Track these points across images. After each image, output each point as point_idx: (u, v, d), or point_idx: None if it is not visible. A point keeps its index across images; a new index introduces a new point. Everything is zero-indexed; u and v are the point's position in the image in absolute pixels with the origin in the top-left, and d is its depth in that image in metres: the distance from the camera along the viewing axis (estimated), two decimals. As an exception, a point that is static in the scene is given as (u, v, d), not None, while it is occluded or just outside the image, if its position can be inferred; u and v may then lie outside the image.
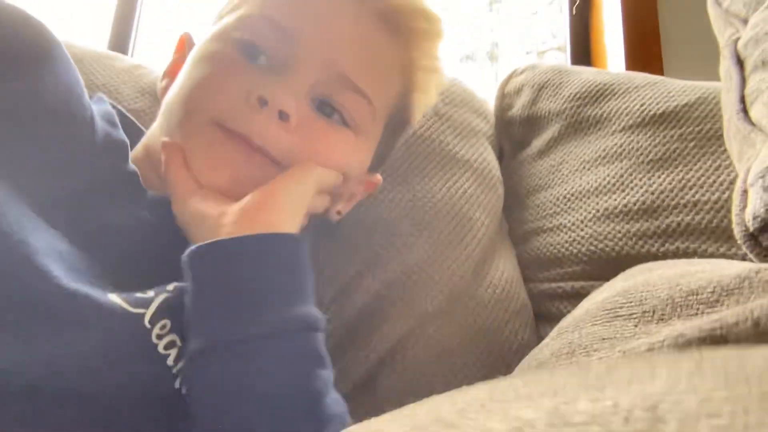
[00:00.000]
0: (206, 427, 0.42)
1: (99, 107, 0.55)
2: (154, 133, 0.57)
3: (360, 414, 0.59)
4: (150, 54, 1.63)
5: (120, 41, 1.42)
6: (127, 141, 0.53)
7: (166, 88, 0.59)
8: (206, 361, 0.42)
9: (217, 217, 0.47)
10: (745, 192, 0.52)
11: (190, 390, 0.42)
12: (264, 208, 0.48)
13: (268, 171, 0.51)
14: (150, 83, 0.80)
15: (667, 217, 0.69)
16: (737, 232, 0.52)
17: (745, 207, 0.51)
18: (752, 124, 0.56)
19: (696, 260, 0.45)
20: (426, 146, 0.77)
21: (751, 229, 0.49)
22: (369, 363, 0.62)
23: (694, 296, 0.38)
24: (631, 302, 0.42)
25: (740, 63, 0.62)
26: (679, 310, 0.38)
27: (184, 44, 0.61)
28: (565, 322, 0.48)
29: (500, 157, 0.90)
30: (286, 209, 0.49)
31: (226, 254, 0.44)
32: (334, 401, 0.44)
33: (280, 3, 0.55)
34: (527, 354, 0.68)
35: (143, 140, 0.59)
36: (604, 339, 0.40)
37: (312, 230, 0.61)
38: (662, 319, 0.38)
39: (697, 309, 0.37)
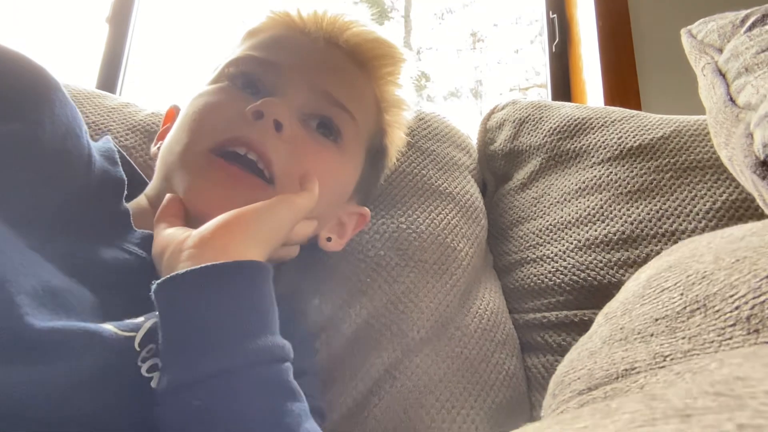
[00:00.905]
0: None
1: (101, 145, 0.58)
2: (154, 185, 0.60)
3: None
4: (137, 93, 1.65)
5: (108, 80, 1.44)
6: (125, 178, 0.55)
7: (158, 151, 0.62)
8: (172, 399, 0.41)
9: (178, 244, 0.47)
10: (750, 135, 0.54)
11: (161, 425, 0.41)
12: (221, 233, 0.47)
13: (259, 193, 0.53)
14: (139, 121, 0.81)
15: (646, 247, 0.70)
16: (748, 164, 0.54)
17: (752, 144, 0.54)
18: (740, 107, 0.59)
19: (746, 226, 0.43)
20: (409, 180, 0.79)
21: (762, 156, 0.52)
22: (357, 393, 0.62)
23: (743, 258, 0.36)
24: (675, 273, 0.41)
25: (722, 75, 0.65)
26: (726, 270, 0.36)
27: (173, 114, 0.66)
28: (610, 308, 0.47)
29: (483, 190, 0.92)
30: (246, 235, 0.48)
31: (182, 289, 0.43)
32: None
33: (262, 44, 0.63)
34: (513, 385, 0.69)
35: (145, 192, 0.61)
36: (657, 320, 0.38)
37: (300, 260, 0.62)
38: (705, 277, 0.37)
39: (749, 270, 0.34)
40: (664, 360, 0.35)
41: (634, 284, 0.46)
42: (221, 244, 0.46)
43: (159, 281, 0.43)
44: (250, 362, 0.41)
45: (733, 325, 0.33)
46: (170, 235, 0.50)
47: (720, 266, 0.37)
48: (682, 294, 0.38)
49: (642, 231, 0.71)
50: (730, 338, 0.33)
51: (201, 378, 0.40)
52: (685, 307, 0.37)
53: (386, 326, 0.66)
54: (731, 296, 0.34)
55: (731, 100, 0.61)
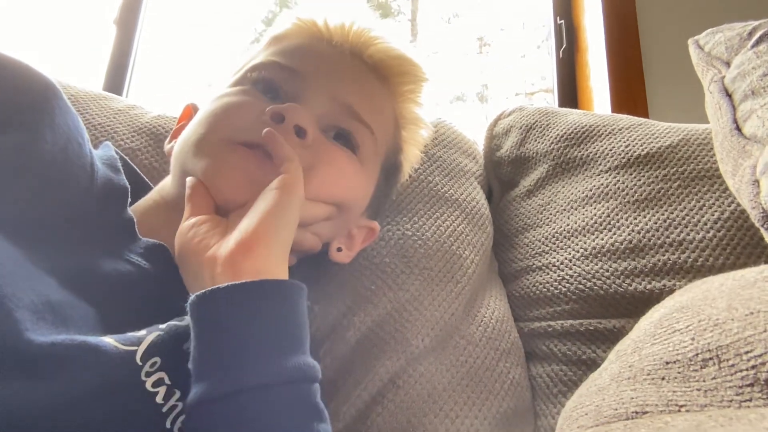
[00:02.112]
0: None
1: (102, 153, 0.57)
2: (167, 183, 0.59)
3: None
4: (144, 95, 1.65)
5: (115, 82, 1.44)
6: (128, 186, 0.54)
7: (173, 149, 0.61)
8: (203, 411, 0.41)
9: (210, 259, 0.47)
10: (756, 182, 0.55)
11: None
12: (252, 250, 0.46)
13: None
14: (145, 123, 0.81)
15: (653, 256, 0.70)
16: (755, 216, 0.55)
17: (758, 193, 0.54)
18: (746, 138, 0.59)
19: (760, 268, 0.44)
20: (415, 186, 0.79)
21: None
22: (361, 401, 0.62)
23: (757, 312, 0.35)
24: (687, 315, 0.40)
25: (729, 96, 0.64)
26: (739, 322, 0.36)
27: (190, 112, 0.65)
28: (622, 345, 0.47)
29: (489, 196, 0.92)
30: (271, 250, 0.47)
31: (224, 302, 0.43)
32: None
33: (286, 51, 0.62)
34: (518, 394, 0.68)
35: (157, 188, 0.60)
36: (667, 363, 0.38)
37: (303, 267, 0.61)
38: (717, 325, 0.37)
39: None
40: (679, 409, 0.35)
41: (647, 323, 0.46)
42: (251, 266, 0.46)
43: (200, 293, 0.43)
44: (284, 380, 0.42)
45: (751, 385, 0.33)
46: (194, 233, 0.49)
47: (733, 316, 0.36)
48: (693, 339, 0.38)
49: (649, 240, 0.71)
50: (749, 399, 0.33)
51: (236, 392, 0.41)
52: (696, 354, 0.37)
53: (390, 334, 0.65)
54: (746, 353, 0.34)
55: (737, 128, 0.61)
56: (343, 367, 0.64)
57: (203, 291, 0.43)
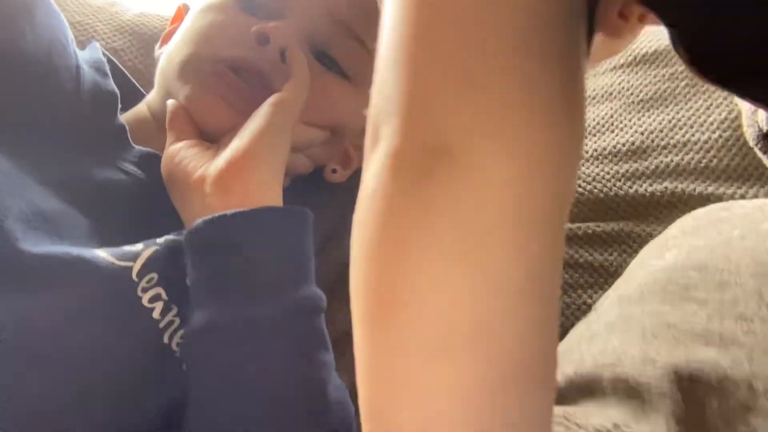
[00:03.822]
0: (204, 410, 0.41)
1: (89, 56, 0.54)
2: (154, 96, 0.56)
3: (347, 357, 0.60)
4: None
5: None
6: (117, 92, 0.52)
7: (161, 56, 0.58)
8: (206, 339, 0.41)
9: (197, 180, 0.45)
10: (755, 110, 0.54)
11: (189, 367, 0.42)
12: (237, 177, 0.45)
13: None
14: (127, 21, 0.77)
15: (656, 158, 0.68)
16: (749, 134, 0.54)
17: (755, 111, 0.53)
18: None
19: None
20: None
21: (765, 129, 0.52)
22: (348, 322, 0.62)
23: None
24: (708, 283, 0.37)
25: None
26: (765, 309, 0.34)
27: (182, 14, 0.60)
28: (629, 288, 0.43)
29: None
30: (263, 174, 0.46)
31: (233, 229, 0.42)
32: (337, 387, 0.43)
33: None
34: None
35: (145, 101, 0.57)
36: (669, 325, 0.36)
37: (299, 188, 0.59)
38: (743, 318, 0.34)
39: None
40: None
41: (658, 267, 0.43)
42: (242, 185, 0.44)
43: (207, 219, 0.42)
44: (293, 310, 0.42)
45: None
46: (181, 157, 0.47)
47: (760, 303, 0.34)
48: (709, 318, 0.35)
49: (653, 142, 0.69)
50: None
51: (244, 321, 0.40)
52: (710, 333, 0.35)
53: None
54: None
55: None
56: (340, 275, 0.63)
57: (210, 216, 0.42)
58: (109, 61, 0.56)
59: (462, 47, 0.24)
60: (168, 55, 0.55)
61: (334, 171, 0.62)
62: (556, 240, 0.24)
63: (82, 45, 0.69)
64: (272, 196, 0.46)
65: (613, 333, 0.39)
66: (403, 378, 0.22)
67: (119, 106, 0.51)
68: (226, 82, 0.50)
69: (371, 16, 0.56)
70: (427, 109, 0.24)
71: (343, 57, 0.55)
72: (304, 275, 0.44)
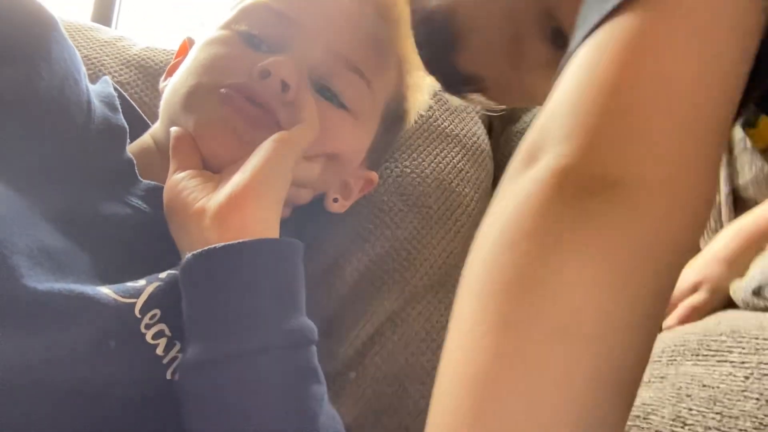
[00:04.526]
0: None
1: (100, 90, 0.55)
2: (158, 128, 0.57)
3: (347, 392, 0.60)
4: (133, 26, 1.60)
5: (103, 12, 1.40)
6: (126, 127, 0.52)
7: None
8: (196, 375, 0.41)
9: (196, 212, 0.46)
10: None
11: (183, 400, 0.41)
12: (237, 208, 0.45)
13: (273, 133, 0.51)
14: (134, 56, 0.78)
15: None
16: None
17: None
18: None
19: None
20: (414, 121, 0.77)
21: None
22: (359, 341, 0.62)
23: None
24: (743, 347, 0.38)
25: None
26: None
27: (187, 47, 0.62)
28: (656, 347, 0.44)
29: (489, 130, 0.90)
30: (260, 205, 0.46)
31: (221, 262, 0.42)
32: (329, 418, 0.43)
33: None
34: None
35: (150, 132, 0.58)
36: (704, 386, 0.37)
37: (299, 218, 0.60)
38: None
39: None
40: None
41: (688, 330, 0.44)
42: (237, 213, 0.45)
43: (196, 252, 0.42)
44: (282, 344, 0.42)
45: None
46: (182, 187, 0.48)
47: None
48: (747, 379, 0.36)
49: None
50: None
51: (232, 355, 0.40)
52: (746, 391, 0.35)
53: (389, 273, 0.65)
54: None
55: None
56: (341, 307, 0.64)
57: (199, 250, 0.42)
58: (120, 95, 0.57)
59: (651, 103, 0.26)
60: (173, 87, 0.56)
61: (335, 200, 0.62)
62: (676, 278, 0.27)
63: (90, 79, 0.71)
64: (269, 231, 0.46)
65: (644, 389, 0.40)
66: (524, 353, 0.24)
67: (127, 140, 0.52)
68: (236, 107, 0.51)
69: (370, 48, 0.57)
70: (607, 143, 0.26)
71: (344, 89, 0.57)
72: (293, 307, 0.44)
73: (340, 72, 0.56)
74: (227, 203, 0.45)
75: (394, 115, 0.65)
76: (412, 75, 0.65)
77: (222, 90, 0.52)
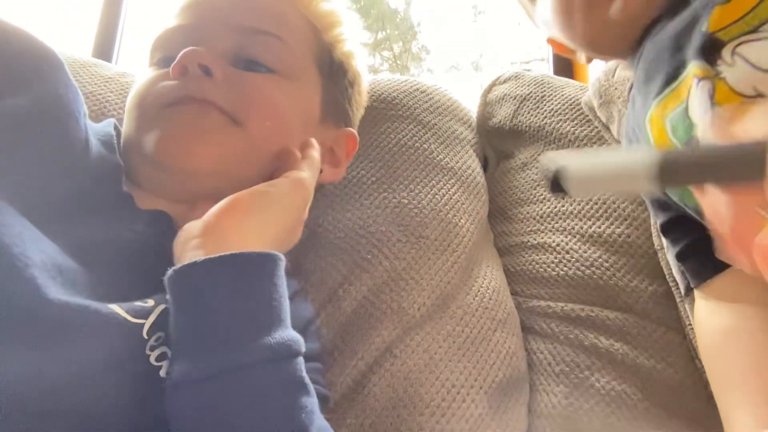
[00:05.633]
0: None
1: (100, 129, 0.57)
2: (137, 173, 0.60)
3: (347, 421, 0.60)
4: (133, 61, 1.62)
5: (104, 48, 1.42)
6: (122, 164, 0.54)
7: None
8: (184, 392, 0.40)
9: (188, 233, 0.47)
10: None
11: (171, 417, 0.41)
12: (222, 218, 0.47)
13: (229, 132, 0.54)
14: (136, 91, 0.79)
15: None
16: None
17: None
18: None
19: None
20: (410, 154, 0.78)
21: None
22: (357, 371, 0.62)
23: None
24: None
25: None
26: None
27: None
28: None
29: (485, 164, 0.91)
30: (246, 220, 0.48)
31: (200, 278, 0.42)
32: (321, 429, 0.43)
33: (183, 9, 0.62)
34: (513, 364, 0.68)
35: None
36: None
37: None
38: None
39: None
40: None
41: None
42: (221, 229, 0.46)
43: (177, 268, 0.43)
44: (266, 358, 0.41)
45: None
46: (187, 226, 0.49)
47: None
48: None
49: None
50: None
51: (216, 373, 0.40)
52: None
53: (387, 304, 0.65)
54: None
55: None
56: (339, 337, 0.64)
57: (180, 266, 0.43)
58: (119, 134, 0.59)
59: None
60: (123, 136, 0.59)
61: (320, 171, 0.63)
62: None
63: (95, 114, 0.72)
64: (252, 242, 0.47)
65: None
66: None
67: (123, 177, 0.54)
68: (175, 110, 0.54)
69: (265, 10, 0.61)
70: None
71: (262, 53, 0.59)
72: (277, 319, 0.43)
73: (250, 40, 0.59)
74: (213, 216, 0.47)
75: (330, 63, 0.67)
76: (327, 32, 0.67)
77: (159, 110, 0.55)
